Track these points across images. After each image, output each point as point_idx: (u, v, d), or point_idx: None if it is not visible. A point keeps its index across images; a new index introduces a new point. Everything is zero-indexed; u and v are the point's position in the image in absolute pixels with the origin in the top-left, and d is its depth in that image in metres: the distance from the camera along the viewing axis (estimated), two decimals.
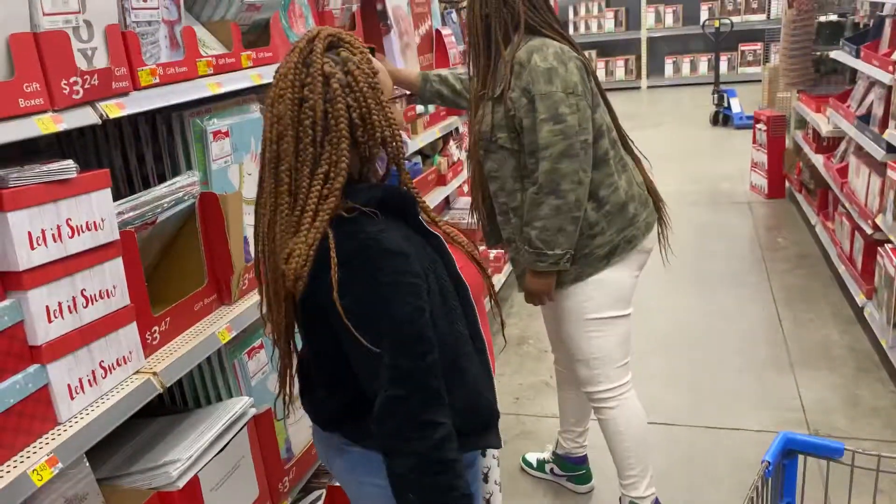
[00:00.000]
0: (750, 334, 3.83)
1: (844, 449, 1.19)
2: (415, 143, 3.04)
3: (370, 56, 1.27)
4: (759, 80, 8.58)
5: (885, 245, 3.31)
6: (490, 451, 1.53)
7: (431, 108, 3.34)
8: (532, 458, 2.88)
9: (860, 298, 3.69)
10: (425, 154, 3.42)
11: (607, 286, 2.16)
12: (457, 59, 3.59)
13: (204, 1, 1.86)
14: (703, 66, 11.20)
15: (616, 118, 2.20)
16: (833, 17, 5.32)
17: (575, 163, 1.97)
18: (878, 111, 3.60)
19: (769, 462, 1.21)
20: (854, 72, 4.17)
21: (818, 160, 4.74)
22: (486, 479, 1.44)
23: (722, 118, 8.52)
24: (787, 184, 5.82)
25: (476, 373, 1.35)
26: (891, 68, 3.34)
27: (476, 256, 1.42)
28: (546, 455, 2.84)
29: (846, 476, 1.31)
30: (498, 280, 4.25)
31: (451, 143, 3.56)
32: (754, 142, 5.99)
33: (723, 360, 3.58)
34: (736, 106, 8.42)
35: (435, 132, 3.29)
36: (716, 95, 8.64)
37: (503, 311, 4.29)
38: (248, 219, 1.77)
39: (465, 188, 4.20)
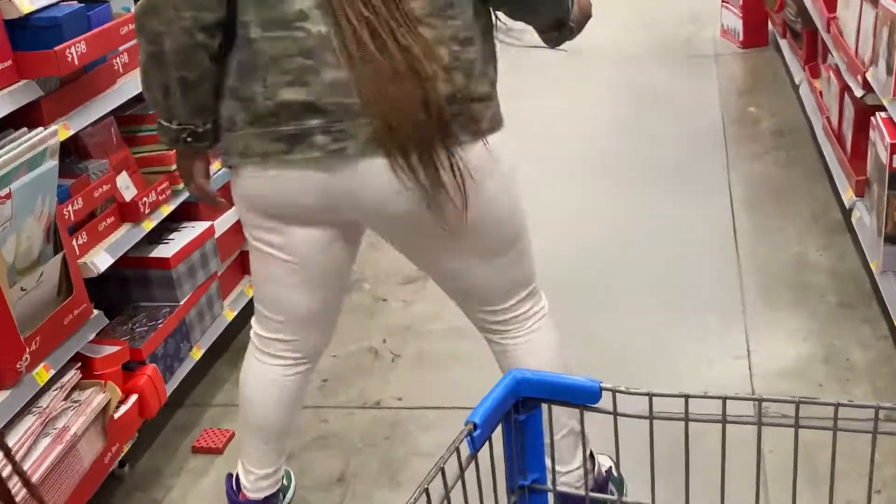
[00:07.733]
0: (691, 253, 2.70)
1: (602, 388, 0.81)
2: None
3: None
4: None
5: (878, 114, 2.12)
6: None
7: None
8: None
9: (847, 196, 2.52)
10: None
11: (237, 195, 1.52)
12: None
13: None
14: None
15: None
16: None
17: None
18: None
19: (475, 424, 0.77)
20: None
21: None
22: None
23: None
24: (770, 27, 4.45)
25: None
26: None
27: None
28: None
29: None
30: None
31: None
32: None
33: (642, 295, 2.49)
34: None
35: None
36: None
37: None
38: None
39: None
